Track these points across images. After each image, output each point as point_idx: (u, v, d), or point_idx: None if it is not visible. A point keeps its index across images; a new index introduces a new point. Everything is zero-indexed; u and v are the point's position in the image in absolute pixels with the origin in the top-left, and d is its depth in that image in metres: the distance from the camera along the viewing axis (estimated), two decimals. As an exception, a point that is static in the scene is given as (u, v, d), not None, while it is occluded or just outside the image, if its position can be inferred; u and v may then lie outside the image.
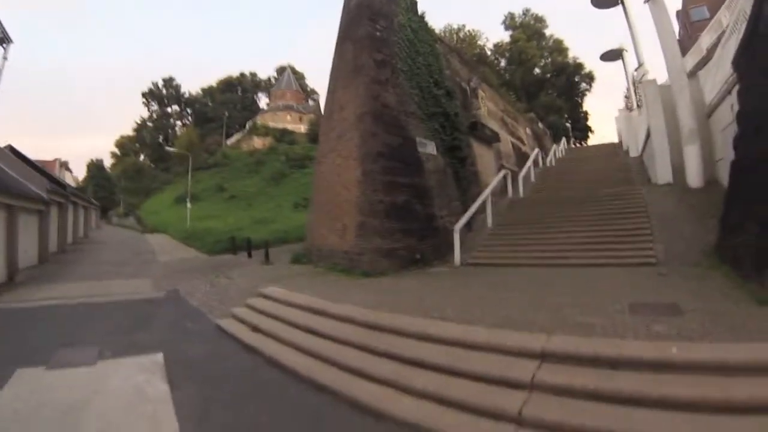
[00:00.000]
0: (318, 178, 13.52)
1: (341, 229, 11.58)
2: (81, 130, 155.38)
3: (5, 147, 26.08)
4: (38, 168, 27.68)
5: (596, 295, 6.50)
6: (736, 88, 8.64)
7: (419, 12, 15.70)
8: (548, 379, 3.89)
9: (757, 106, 6.83)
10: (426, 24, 16.16)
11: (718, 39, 13.26)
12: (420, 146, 12.87)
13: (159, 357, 6.10)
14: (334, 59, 14.60)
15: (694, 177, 12.35)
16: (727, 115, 10.45)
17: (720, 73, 11.17)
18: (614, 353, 3.99)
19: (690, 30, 29.24)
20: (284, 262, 13.73)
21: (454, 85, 16.46)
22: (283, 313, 7.30)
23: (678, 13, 32.86)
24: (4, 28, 26.91)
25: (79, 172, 71.82)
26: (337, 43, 14.51)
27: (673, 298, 5.83)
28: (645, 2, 13.95)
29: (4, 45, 28.05)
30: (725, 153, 10.06)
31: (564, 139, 31.03)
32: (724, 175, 9.67)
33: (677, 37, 26.39)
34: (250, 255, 17.23)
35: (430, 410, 3.95)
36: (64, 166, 53.69)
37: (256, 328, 6.99)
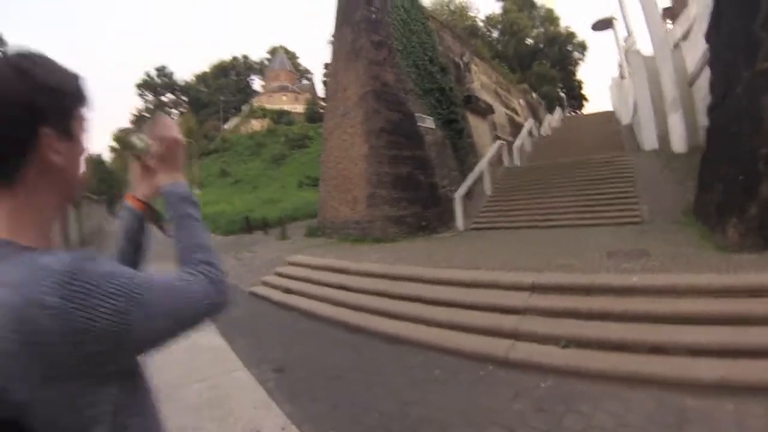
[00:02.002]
0: (326, 154, 14.30)
1: (352, 201, 12.48)
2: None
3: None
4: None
5: (581, 246, 7.45)
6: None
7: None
8: (537, 304, 4.96)
9: (722, 76, 7.51)
10: (418, 2, 16.77)
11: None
12: (419, 121, 13.67)
13: (206, 319, 7.00)
14: (333, 42, 15.33)
15: (678, 143, 12.95)
16: (706, 84, 10.96)
17: (700, 44, 11.76)
18: (588, 282, 5.05)
19: (681, -5, 29.30)
20: (299, 237, 14.55)
21: (448, 60, 17.13)
22: (310, 275, 8.26)
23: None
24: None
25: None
26: (335, 27, 15.19)
27: (646, 246, 6.76)
28: (630, -26, 14.38)
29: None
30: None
31: (558, 109, 31.57)
32: (705, 141, 10.35)
33: (669, 2, 26.57)
34: (266, 232, 18.13)
35: (445, 334, 5.00)
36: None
37: (288, 290, 7.94)
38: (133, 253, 1.15)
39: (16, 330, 0.62)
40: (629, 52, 17.90)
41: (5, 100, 0.74)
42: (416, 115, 13.60)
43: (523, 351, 4.32)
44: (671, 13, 23.85)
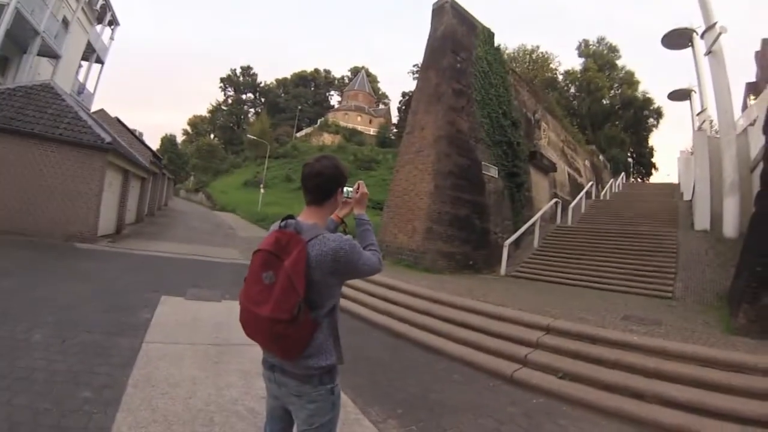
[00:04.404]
0: (395, 183, 15.44)
1: (411, 231, 13.62)
2: (149, 106, 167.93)
3: (113, 119, 29.14)
4: (140, 140, 31.10)
5: (605, 307, 8.33)
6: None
7: (496, 44, 17.57)
8: (548, 342, 6.08)
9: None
10: (501, 56, 17.92)
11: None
12: (484, 169, 14.78)
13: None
14: (418, 82, 16.78)
15: (729, 227, 12.88)
16: (766, 172, 11.02)
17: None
18: (593, 333, 6.08)
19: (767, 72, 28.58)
20: (355, 252, 15.87)
21: (520, 115, 18.19)
22: (362, 286, 9.53)
23: (756, 54, 32.15)
24: (114, 12, 30.29)
25: (150, 144, 75.07)
26: (422, 67, 16.66)
27: (663, 317, 7.44)
28: (705, 54, 14.46)
29: (113, 27, 31.73)
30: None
31: (623, 174, 31.55)
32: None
33: (754, 79, 26.04)
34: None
35: (470, 351, 6.24)
36: (141, 137, 57.95)
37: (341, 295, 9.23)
38: None
39: (333, 255, 1.81)
40: (696, 131, 17.93)
41: (331, 177, 1.96)
42: (483, 163, 14.75)
43: (527, 374, 5.46)
44: (755, 89, 23.32)
